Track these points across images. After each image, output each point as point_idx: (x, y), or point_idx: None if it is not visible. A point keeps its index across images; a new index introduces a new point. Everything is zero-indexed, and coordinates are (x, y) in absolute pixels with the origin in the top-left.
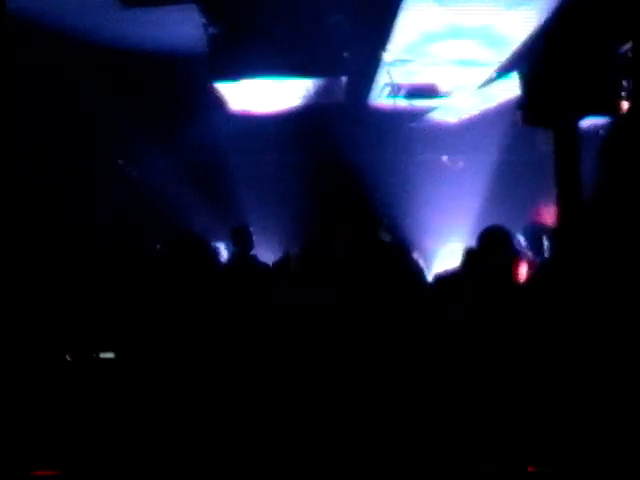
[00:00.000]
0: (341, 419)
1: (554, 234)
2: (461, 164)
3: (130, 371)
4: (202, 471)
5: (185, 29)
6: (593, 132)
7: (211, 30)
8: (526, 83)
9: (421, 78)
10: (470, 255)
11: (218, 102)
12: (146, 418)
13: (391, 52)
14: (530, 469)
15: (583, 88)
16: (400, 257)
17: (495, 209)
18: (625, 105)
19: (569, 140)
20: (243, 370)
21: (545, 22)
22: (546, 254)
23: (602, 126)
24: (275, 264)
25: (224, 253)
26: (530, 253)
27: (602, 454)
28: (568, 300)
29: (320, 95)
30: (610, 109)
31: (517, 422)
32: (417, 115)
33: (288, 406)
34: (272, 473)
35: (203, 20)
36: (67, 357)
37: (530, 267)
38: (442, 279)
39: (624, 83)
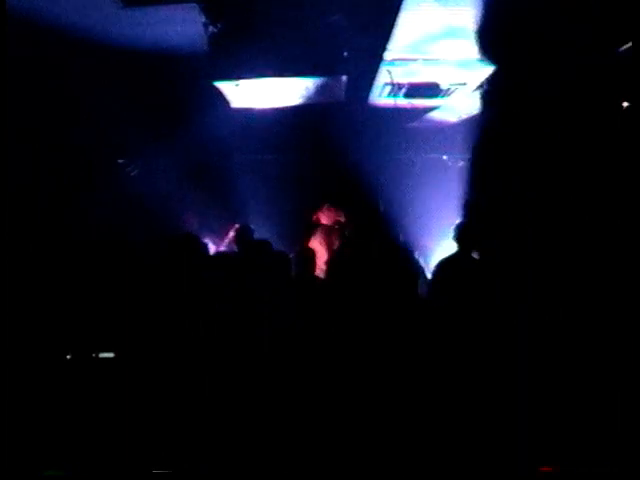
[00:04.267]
0: (341, 411)
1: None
2: (461, 164)
3: (130, 371)
4: (200, 470)
5: (186, 28)
6: None
7: (211, 29)
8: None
9: (421, 78)
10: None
11: (218, 101)
12: (146, 417)
13: (391, 52)
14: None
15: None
16: (399, 256)
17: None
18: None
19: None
20: (241, 368)
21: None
22: None
23: None
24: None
25: (212, 248)
26: None
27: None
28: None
29: (320, 94)
30: (610, 108)
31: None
32: (417, 115)
33: (286, 403)
34: (270, 472)
35: (203, 19)
36: (67, 357)
37: None
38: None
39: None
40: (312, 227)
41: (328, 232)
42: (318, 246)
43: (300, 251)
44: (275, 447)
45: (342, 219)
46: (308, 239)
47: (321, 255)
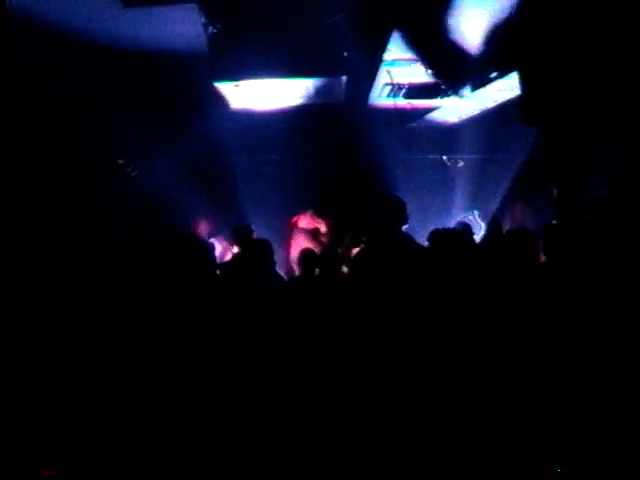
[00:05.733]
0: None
1: (551, 233)
2: (461, 164)
3: (130, 371)
4: (199, 470)
5: (185, 28)
6: None
7: (211, 30)
8: (526, 82)
9: (421, 78)
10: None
11: (219, 101)
12: (146, 417)
13: (391, 52)
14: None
15: (585, 88)
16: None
17: (493, 208)
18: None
19: (569, 139)
20: (241, 368)
21: (546, 21)
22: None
23: None
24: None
25: (218, 248)
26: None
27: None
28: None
29: (320, 95)
30: (611, 109)
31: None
32: (417, 115)
33: (286, 403)
34: (270, 472)
35: (203, 20)
36: (67, 356)
37: None
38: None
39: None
40: (290, 229)
41: (308, 237)
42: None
43: (303, 252)
44: (275, 447)
45: (322, 228)
46: (289, 241)
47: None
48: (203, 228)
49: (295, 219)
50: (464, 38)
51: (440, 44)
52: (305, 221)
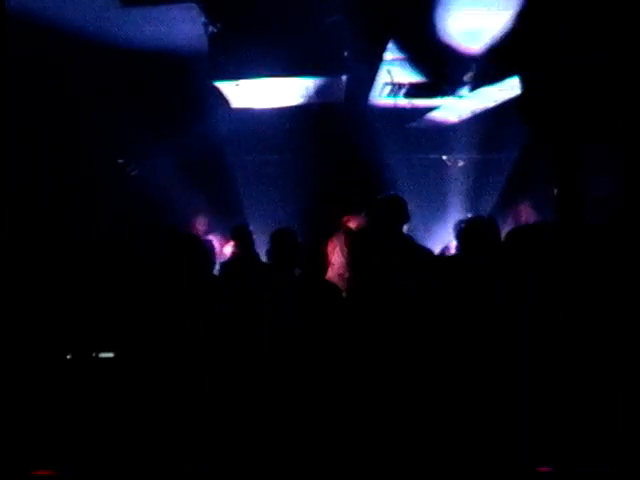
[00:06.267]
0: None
1: (553, 232)
2: (461, 164)
3: (129, 371)
4: (199, 470)
5: (185, 28)
6: None
7: (211, 29)
8: (527, 83)
9: (421, 77)
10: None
11: (218, 101)
12: (146, 417)
13: (391, 52)
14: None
15: (585, 89)
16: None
17: (494, 208)
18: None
19: (567, 140)
20: (241, 368)
21: (547, 22)
22: None
23: None
24: None
25: (217, 246)
26: None
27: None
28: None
29: (320, 94)
30: (611, 110)
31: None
32: (417, 114)
33: (286, 403)
34: (270, 472)
35: (203, 19)
36: (67, 357)
37: None
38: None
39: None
40: (338, 228)
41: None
42: (338, 250)
43: (314, 252)
44: (275, 447)
45: None
46: (331, 238)
47: (338, 259)
48: (200, 226)
49: (346, 219)
50: (464, 38)
51: (440, 44)
52: (355, 222)
